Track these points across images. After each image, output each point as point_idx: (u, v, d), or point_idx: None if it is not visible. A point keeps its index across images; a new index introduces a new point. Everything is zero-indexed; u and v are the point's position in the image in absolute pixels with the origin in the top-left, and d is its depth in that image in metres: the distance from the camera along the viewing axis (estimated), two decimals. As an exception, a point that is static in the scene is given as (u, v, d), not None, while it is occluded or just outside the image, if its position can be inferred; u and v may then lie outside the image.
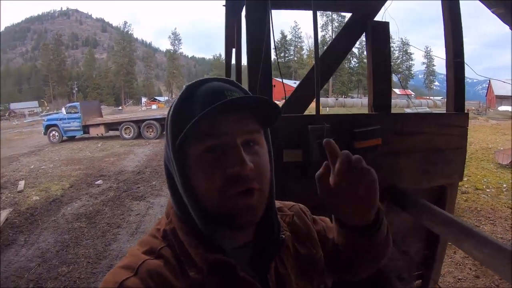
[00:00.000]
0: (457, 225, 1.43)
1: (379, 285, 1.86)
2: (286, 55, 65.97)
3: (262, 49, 1.44)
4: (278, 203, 0.66)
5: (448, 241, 2.03)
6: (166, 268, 0.49)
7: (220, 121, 0.49)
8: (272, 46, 1.52)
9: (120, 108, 48.75)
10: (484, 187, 5.65)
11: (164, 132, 0.56)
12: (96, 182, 7.26)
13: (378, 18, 1.81)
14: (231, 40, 2.98)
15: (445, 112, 2.15)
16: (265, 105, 0.52)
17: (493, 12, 2.48)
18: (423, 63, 66.14)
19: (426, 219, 1.56)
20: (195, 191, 0.51)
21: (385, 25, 1.70)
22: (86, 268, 3.62)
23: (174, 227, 0.54)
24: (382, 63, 1.65)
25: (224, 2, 2.63)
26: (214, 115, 0.48)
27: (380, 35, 1.68)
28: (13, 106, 53.10)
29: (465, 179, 6.02)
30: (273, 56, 1.55)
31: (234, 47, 3.03)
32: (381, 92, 1.66)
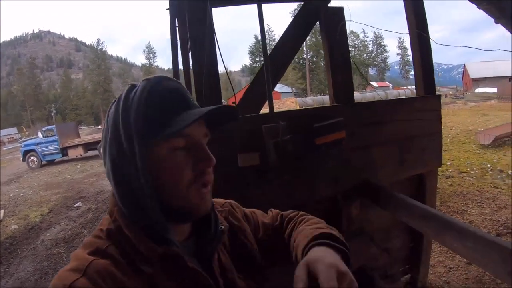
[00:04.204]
0: (436, 218, 1.32)
1: (362, 286, 1.73)
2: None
3: (204, 51, 1.31)
4: None
5: (428, 236, 1.92)
6: (114, 267, 0.49)
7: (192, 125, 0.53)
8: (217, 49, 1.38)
9: (99, 127, 47.34)
10: (468, 169, 5.62)
11: (108, 132, 0.55)
12: (75, 205, 7.05)
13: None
14: (177, 44, 2.90)
15: (415, 96, 2.06)
16: (227, 115, 0.62)
17: (478, 7, 2.45)
18: (398, 54, 66.79)
19: (403, 214, 1.44)
20: (161, 187, 0.53)
21: (338, 11, 1.58)
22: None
23: (119, 225, 0.54)
24: (340, 52, 1.52)
25: (168, 6, 2.54)
26: (190, 122, 0.51)
27: (334, 21, 1.56)
28: (-9, 134, 51.15)
29: (448, 163, 5.99)
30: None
31: (179, 51, 2.97)
32: (341, 82, 1.53)
